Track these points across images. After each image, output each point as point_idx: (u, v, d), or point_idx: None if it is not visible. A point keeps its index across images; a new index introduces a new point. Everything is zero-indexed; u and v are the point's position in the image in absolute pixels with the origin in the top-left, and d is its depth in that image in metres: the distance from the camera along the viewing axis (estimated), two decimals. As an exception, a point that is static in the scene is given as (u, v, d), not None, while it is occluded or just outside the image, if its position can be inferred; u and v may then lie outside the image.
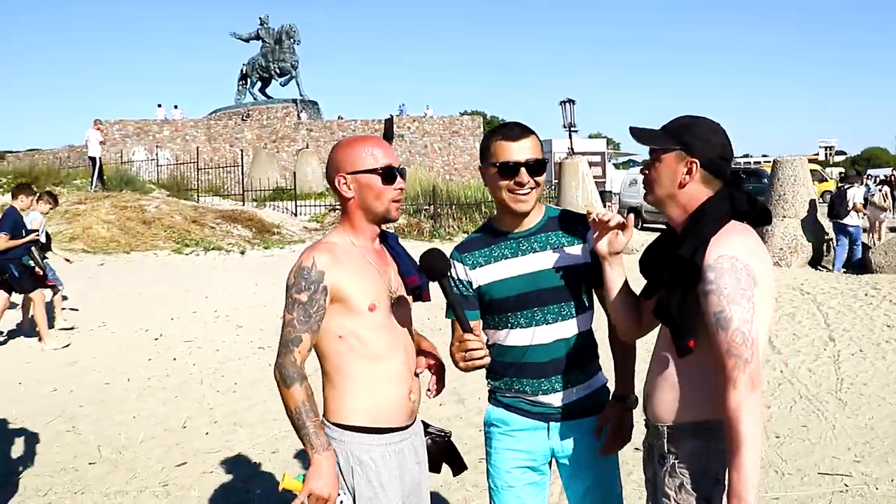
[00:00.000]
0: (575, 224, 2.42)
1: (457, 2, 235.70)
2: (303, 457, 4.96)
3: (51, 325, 8.82)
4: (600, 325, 2.41)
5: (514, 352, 2.39)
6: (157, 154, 31.53)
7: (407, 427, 2.25)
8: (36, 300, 8.50)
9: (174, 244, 16.90)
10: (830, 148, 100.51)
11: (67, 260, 10.65)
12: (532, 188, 2.32)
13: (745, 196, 2.00)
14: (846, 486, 4.26)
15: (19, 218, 8.49)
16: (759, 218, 2.02)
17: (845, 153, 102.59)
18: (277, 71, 40.48)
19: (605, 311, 2.32)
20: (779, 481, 4.34)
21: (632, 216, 2.35)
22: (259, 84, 41.42)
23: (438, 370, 2.41)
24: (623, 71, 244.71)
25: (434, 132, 37.52)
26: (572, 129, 25.69)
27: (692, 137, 2.00)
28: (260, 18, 41.28)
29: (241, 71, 41.72)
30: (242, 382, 6.86)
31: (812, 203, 13.50)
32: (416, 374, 2.31)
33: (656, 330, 2.16)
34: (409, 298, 2.34)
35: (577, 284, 2.35)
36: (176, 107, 40.27)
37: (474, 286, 2.41)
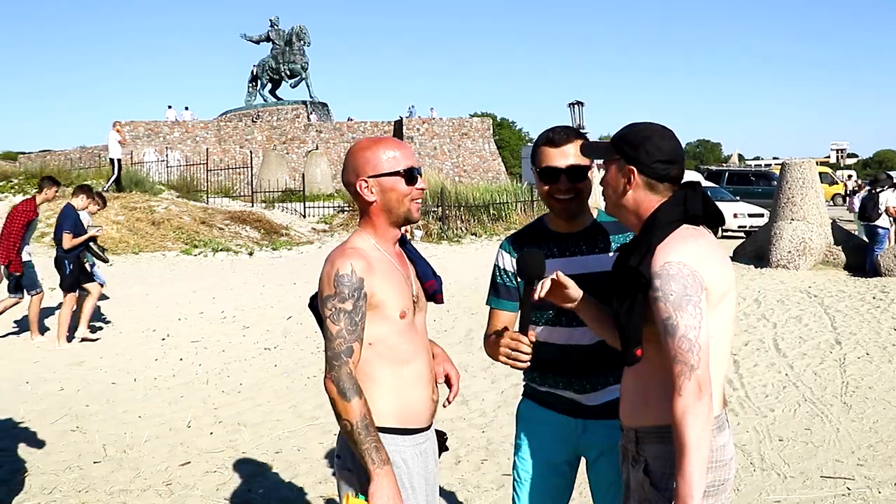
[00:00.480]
0: (619, 233, 2.44)
1: (467, 3, 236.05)
2: (306, 457, 4.99)
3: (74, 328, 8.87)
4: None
5: (551, 349, 2.42)
6: (167, 155, 31.71)
7: (429, 427, 2.27)
8: (68, 299, 8.63)
9: (183, 245, 16.98)
10: (842, 150, 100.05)
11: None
12: (574, 194, 2.36)
13: (699, 198, 2.00)
14: (848, 489, 4.24)
15: (77, 216, 8.68)
16: (712, 219, 2.03)
17: (857, 156, 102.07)
18: (287, 72, 40.68)
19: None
20: (781, 484, 4.33)
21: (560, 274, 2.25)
22: (269, 86, 41.64)
23: (456, 379, 2.44)
24: (632, 73, 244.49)
25: (443, 134, 37.60)
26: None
27: (626, 145, 2.02)
28: (270, 20, 41.50)
29: (252, 72, 41.96)
30: (248, 383, 6.90)
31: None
32: (437, 384, 2.33)
33: None
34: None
35: None
36: (186, 108, 40.55)
37: (518, 279, 2.45)
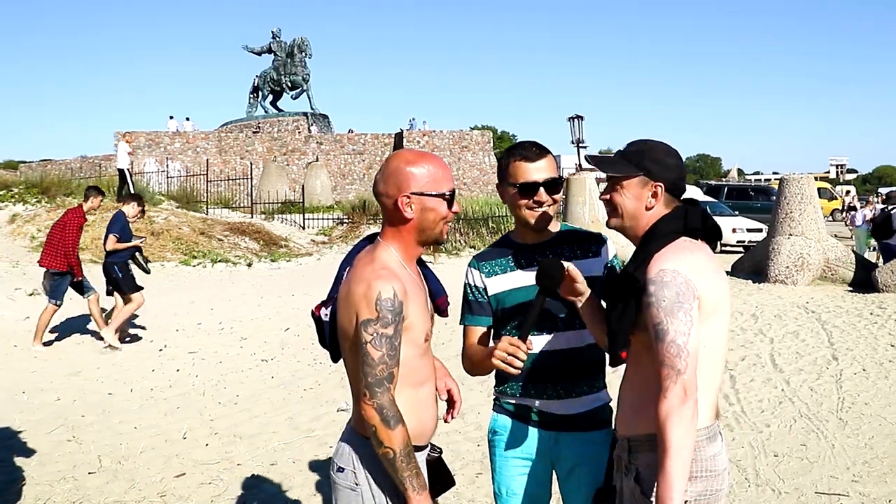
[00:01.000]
0: (589, 239, 2.55)
1: (467, 17, 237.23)
2: (301, 469, 4.99)
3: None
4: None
5: (528, 356, 2.42)
6: (167, 165, 31.78)
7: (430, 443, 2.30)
8: (134, 298, 8.91)
9: (182, 256, 16.98)
10: (842, 166, 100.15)
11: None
12: (550, 205, 2.46)
13: (699, 213, 2.08)
14: (843, 506, 4.24)
15: (127, 223, 8.95)
16: (710, 234, 2.10)
17: (856, 171, 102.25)
18: (289, 84, 40.86)
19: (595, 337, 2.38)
20: (775, 500, 4.33)
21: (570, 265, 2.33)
22: (270, 97, 41.81)
23: (458, 396, 2.46)
24: (633, 87, 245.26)
25: (444, 147, 37.71)
26: (581, 144, 25.80)
27: (652, 162, 2.09)
28: (272, 32, 41.76)
29: (253, 84, 42.14)
30: (244, 395, 6.90)
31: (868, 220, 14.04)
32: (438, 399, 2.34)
33: None
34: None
35: None
36: (188, 119, 40.69)
37: (489, 293, 2.52)
